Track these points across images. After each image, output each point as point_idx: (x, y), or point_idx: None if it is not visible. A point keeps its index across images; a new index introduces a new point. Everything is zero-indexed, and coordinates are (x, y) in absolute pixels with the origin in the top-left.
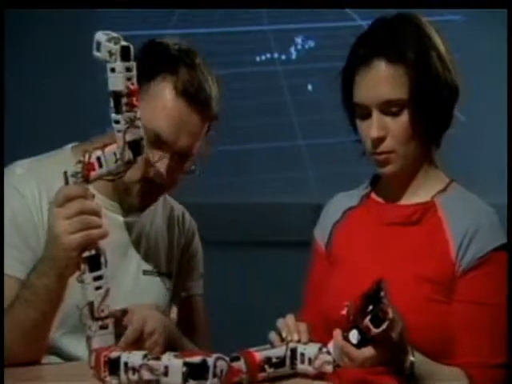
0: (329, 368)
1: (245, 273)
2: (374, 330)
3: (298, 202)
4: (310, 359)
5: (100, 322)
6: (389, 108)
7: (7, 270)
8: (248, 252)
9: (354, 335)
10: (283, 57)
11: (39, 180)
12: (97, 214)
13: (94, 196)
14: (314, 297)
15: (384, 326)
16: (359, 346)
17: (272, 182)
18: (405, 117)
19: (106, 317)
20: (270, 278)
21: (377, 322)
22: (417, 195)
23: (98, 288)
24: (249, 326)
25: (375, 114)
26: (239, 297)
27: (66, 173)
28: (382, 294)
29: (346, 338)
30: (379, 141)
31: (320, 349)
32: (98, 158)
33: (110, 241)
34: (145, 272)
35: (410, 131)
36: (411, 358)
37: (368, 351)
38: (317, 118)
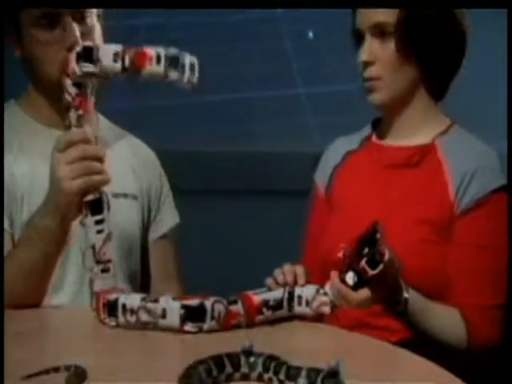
0: (326, 309)
1: (245, 222)
2: (370, 272)
3: (300, 151)
4: (307, 301)
5: (101, 266)
6: (379, 32)
7: None
8: (249, 201)
9: (350, 277)
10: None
11: None
12: (99, 159)
13: (96, 138)
14: (313, 241)
15: (380, 268)
16: (355, 287)
17: (272, 131)
18: (392, 43)
19: (108, 260)
20: (271, 227)
21: (373, 264)
22: (417, 137)
23: (99, 231)
24: (248, 274)
25: (367, 39)
26: (239, 245)
27: (68, 126)
28: (378, 236)
29: (343, 280)
30: (367, 66)
31: (317, 290)
32: (75, 84)
33: None
34: (114, 195)
35: (397, 58)
36: (405, 295)
37: (364, 293)
38: (317, 64)
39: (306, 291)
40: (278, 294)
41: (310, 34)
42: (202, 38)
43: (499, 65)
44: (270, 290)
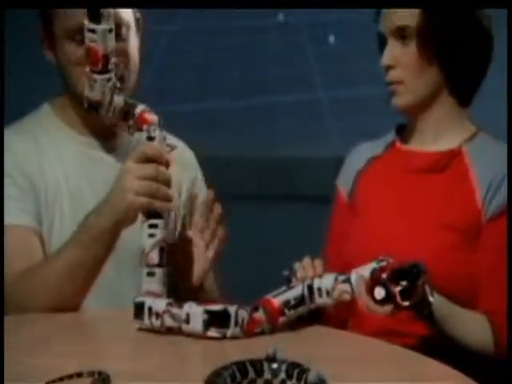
0: (347, 297)
1: (263, 227)
2: (400, 302)
3: (319, 156)
4: (327, 291)
5: (147, 269)
6: (401, 36)
7: (9, 220)
8: (267, 206)
9: (379, 293)
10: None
11: (28, 137)
12: (168, 184)
13: (169, 164)
14: (335, 247)
15: (411, 303)
16: (382, 302)
17: (293, 135)
18: (414, 46)
19: (155, 265)
20: (290, 233)
21: (406, 296)
22: (442, 142)
23: (150, 235)
24: (269, 278)
25: (389, 42)
26: (261, 250)
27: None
28: (422, 280)
29: (371, 291)
30: (389, 69)
31: (336, 278)
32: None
33: (102, 181)
34: None
35: (418, 62)
36: (430, 299)
37: (390, 309)
38: (339, 69)
39: (325, 282)
40: (297, 291)
41: (331, 39)
42: (224, 43)
43: (499, 65)
44: (288, 286)
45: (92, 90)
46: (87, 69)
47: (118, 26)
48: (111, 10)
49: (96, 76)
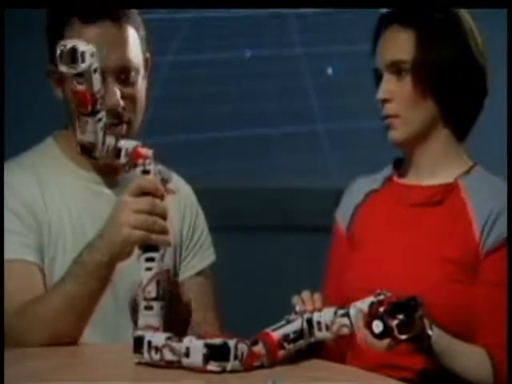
0: (346, 331)
1: (262, 258)
2: (398, 336)
3: (318, 188)
4: (327, 326)
5: (145, 303)
6: (396, 70)
7: (11, 255)
8: (266, 237)
9: (377, 326)
10: (304, 39)
11: (30, 172)
12: (164, 216)
13: (164, 197)
14: (334, 280)
15: (409, 336)
16: (379, 336)
17: (292, 167)
18: (409, 81)
19: (152, 298)
20: (289, 264)
21: (403, 329)
22: (438, 175)
23: (148, 269)
24: (263, 313)
25: (384, 77)
26: (259, 281)
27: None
28: (420, 312)
29: (369, 324)
30: (384, 103)
31: (335, 312)
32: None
33: (104, 216)
34: None
35: (414, 96)
36: (429, 332)
37: (387, 343)
38: (337, 102)
39: (324, 316)
40: (296, 325)
41: (330, 71)
42: (222, 74)
43: (498, 65)
44: (287, 320)
45: (84, 133)
46: (77, 113)
47: (127, 71)
48: (93, 49)
49: (86, 118)
